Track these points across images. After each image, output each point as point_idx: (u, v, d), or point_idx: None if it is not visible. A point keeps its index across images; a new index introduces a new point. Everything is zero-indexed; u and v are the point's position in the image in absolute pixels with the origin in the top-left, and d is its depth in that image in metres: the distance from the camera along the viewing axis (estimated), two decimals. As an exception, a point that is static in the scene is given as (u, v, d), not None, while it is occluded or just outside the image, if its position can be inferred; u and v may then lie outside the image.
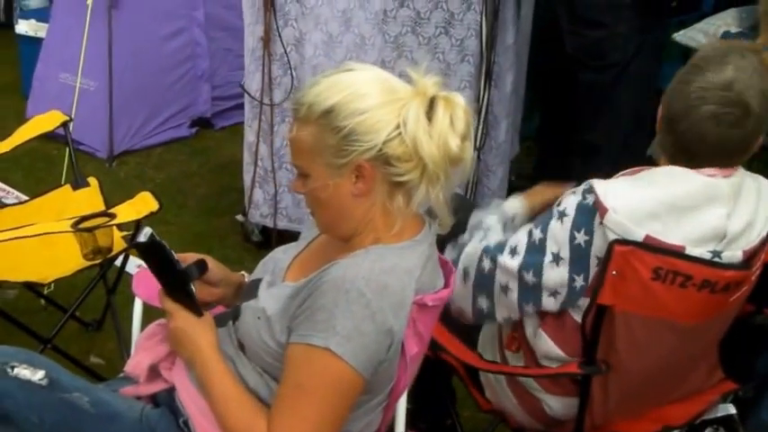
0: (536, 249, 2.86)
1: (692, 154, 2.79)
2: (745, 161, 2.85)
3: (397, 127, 2.39)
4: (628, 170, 2.94)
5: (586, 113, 4.44)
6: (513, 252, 2.91)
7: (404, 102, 2.41)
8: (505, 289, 2.92)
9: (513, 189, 5.09)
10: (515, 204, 3.20)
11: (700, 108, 2.73)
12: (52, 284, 4.45)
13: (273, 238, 5.17)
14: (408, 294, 2.45)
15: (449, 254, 3.02)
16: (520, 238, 2.91)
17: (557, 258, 2.82)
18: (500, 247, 2.94)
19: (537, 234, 2.87)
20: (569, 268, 2.82)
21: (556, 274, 2.84)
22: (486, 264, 2.95)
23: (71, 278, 4.19)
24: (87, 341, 4.47)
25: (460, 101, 2.46)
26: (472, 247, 3.01)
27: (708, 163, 2.76)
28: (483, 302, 2.99)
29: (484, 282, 2.96)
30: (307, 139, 2.45)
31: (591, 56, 4.39)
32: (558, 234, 2.83)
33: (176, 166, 6.43)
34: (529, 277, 2.86)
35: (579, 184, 2.89)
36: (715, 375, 3.14)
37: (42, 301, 4.61)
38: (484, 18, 4.60)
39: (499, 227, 3.11)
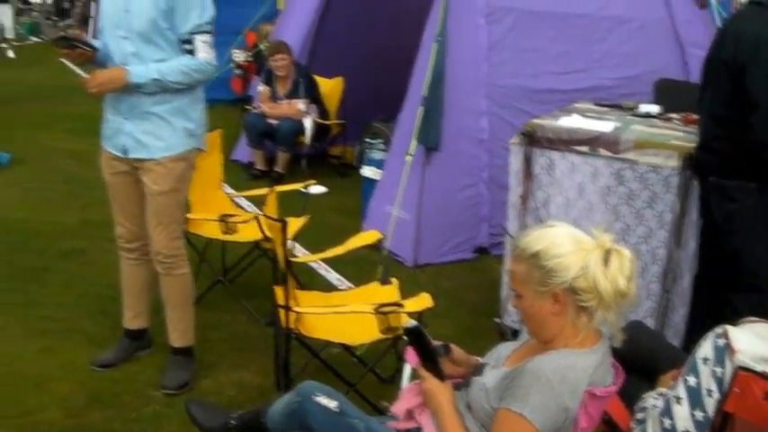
0: (695, 391, 2.91)
1: None
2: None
3: (582, 268, 2.53)
4: (749, 319, 2.96)
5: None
6: (679, 400, 2.95)
7: (588, 251, 2.56)
8: None
9: (695, 322, 5.05)
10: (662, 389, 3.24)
11: None
12: (364, 347, 4.61)
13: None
14: (582, 386, 2.57)
15: None
16: (678, 390, 2.96)
17: (709, 392, 2.87)
18: (668, 403, 2.99)
19: (692, 380, 2.92)
20: (718, 396, 2.85)
21: (710, 404, 2.87)
22: (667, 422, 2.98)
23: (377, 345, 4.41)
24: (382, 390, 4.51)
25: (628, 253, 2.59)
26: (653, 420, 3.05)
27: None
28: None
29: None
30: (520, 271, 2.62)
31: (726, 222, 4.37)
32: (707, 374, 2.87)
33: (460, 278, 6.45)
34: (698, 414, 2.90)
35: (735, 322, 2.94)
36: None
37: (354, 359, 4.73)
38: (678, 199, 4.60)
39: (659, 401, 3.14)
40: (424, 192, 6.48)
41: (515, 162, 5.11)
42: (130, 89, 4.26)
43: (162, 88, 4.27)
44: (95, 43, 4.40)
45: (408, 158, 6.46)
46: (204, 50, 4.30)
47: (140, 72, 4.22)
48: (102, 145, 4.59)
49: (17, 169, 8.91)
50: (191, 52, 4.27)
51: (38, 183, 8.46)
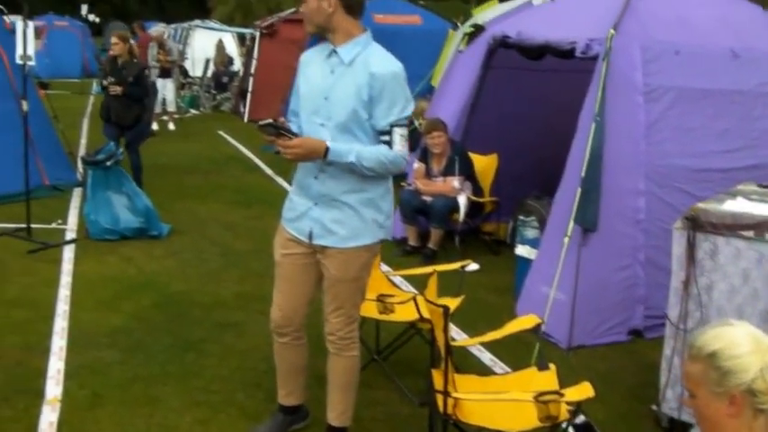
0: None
1: None
2: None
3: (762, 370, 2.45)
4: None
5: None
6: None
7: (767, 351, 2.47)
8: None
9: None
10: None
11: None
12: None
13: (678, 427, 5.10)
14: None
15: None
16: None
17: None
18: None
19: None
20: None
21: None
22: None
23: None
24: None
25: None
26: None
27: None
28: None
29: None
30: (695, 371, 2.55)
31: None
32: None
33: (614, 361, 6.35)
34: None
35: None
36: None
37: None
38: None
39: None
40: (579, 272, 6.45)
41: (678, 247, 5.04)
42: (321, 162, 4.31)
43: (351, 170, 4.31)
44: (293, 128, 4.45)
45: (566, 240, 6.48)
46: (401, 144, 4.31)
47: (340, 152, 4.22)
48: (283, 225, 4.66)
49: (176, 240, 9.33)
50: (387, 143, 4.28)
51: (196, 254, 8.83)
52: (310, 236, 4.48)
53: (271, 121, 4.18)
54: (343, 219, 4.39)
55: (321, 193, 4.41)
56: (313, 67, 4.46)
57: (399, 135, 4.29)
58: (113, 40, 10.95)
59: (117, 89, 10.61)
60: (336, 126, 4.29)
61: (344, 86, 4.29)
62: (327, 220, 4.41)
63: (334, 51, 4.35)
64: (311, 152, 4.23)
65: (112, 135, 10.86)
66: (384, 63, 4.29)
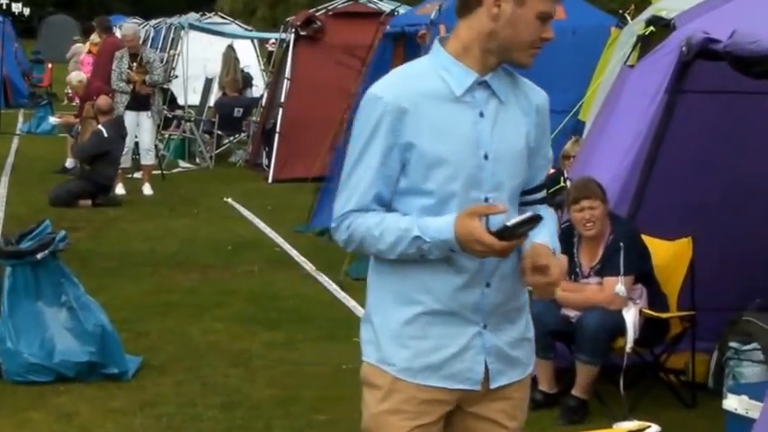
0: None
1: None
2: None
3: None
4: None
5: None
6: None
7: None
8: None
9: None
10: None
11: None
12: None
13: None
14: None
15: None
16: None
17: None
18: None
19: None
20: None
21: None
22: None
23: None
24: None
25: None
26: None
27: None
28: None
29: None
30: None
31: None
32: None
33: None
34: None
35: None
36: None
37: None
38: None
39: None
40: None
41: None
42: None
43: None
44: None
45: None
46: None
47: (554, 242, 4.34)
48: (413, 382, 4.34)
49: (150, 384, 9.30)
50: (543, 201, 4.47)
51: (182, 407, 8.77)
52: (485, 380, 4.33)
53: (530, 214, 4.05)
54: (520, 335, 4.40)
55: (495, 305, 4.28)
56: (436, 110, 4.20)
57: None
58: None
59: None
60: (509, 198, 4.25)
61: (509, 134, 4.25)
62: (506, 344, 4.34)
63: (483, 82, 4.22)
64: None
65: None
66: (536, 89, 4.42)
